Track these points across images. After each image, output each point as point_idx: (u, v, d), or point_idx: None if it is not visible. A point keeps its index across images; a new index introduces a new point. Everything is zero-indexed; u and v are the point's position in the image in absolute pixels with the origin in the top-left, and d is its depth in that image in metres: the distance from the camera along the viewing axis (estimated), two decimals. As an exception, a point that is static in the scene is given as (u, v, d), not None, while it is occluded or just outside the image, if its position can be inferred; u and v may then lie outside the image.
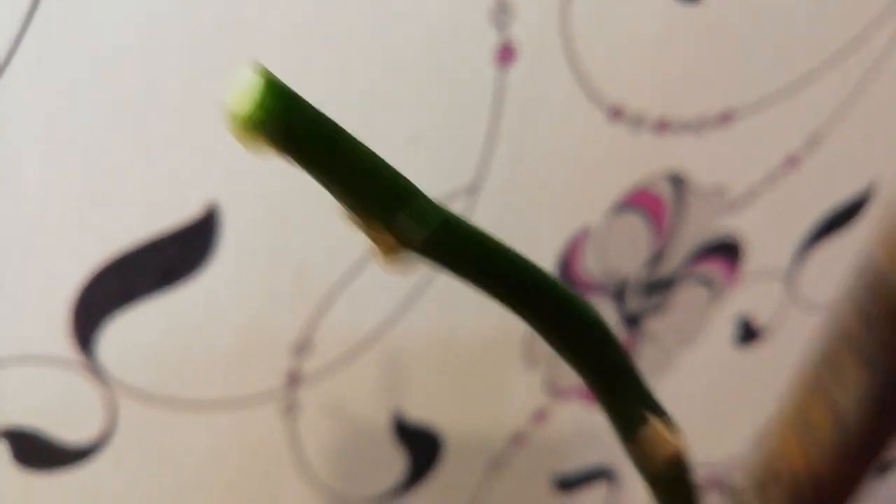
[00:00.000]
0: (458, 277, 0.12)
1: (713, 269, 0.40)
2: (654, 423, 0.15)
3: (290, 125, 0.10)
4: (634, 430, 0.15)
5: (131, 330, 0.27)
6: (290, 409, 0.31)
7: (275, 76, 0.10)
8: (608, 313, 0.38)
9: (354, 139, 0.11)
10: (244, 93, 0.10)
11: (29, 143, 0.22)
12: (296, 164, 0.10)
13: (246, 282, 0.28)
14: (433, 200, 0.11)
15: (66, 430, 0.28)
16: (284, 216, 0.27)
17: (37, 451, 0.28)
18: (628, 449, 0.16)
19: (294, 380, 0.31)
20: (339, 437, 0.34)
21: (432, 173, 0.28)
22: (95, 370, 0.27)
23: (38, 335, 0.26)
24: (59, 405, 0.28)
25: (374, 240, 0.11)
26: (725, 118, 0.34)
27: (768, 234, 0.40)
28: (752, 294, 0.43)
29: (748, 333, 0.45)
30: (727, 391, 0.48)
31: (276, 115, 0.10)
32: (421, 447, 0.37)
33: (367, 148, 0.11)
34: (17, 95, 0.21)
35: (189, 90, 0.23)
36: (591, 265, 0.35)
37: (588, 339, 0.14)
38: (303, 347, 0.30)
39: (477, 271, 0.12)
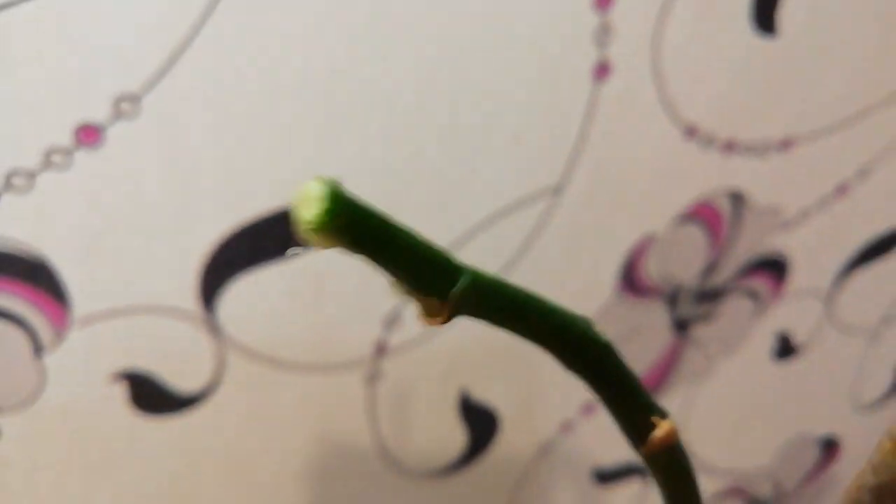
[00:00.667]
0: (493, 326, 0.15)
1: (760, 283, 0.42)
2: (658, 422, 0.17)
3: (354, 229, 0.12)
4: (644, 437, 0.17)
5: (250, 292, 0.30)
6: (373, 378, 0.34)
7: (339, 186, 0.12)
8: (661, 316, 0.40)
9: (407, 232, 0.13)
10: (314, 202, 0.12)
11: (197, 111, 0.25)
12: (359, 257, 0.13)
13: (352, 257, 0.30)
14: (469, 267, 0.14)
15: (179, 379, 0.31)
16: (391, 198, 0.29)
17: (150, 395, 0.31)
18: (639, 451, 0.18)
19: (381, 351, 0.33)
20: (411, 409, 0.36)
21: (525, 171, 0.31)
22: (213, 326, 0.30)
23: (169, 288, 0.29)
24: (176, 355, 0.30)
25: (423, 306, 0.14)
26: (786, 144, 0.36)
27: (814, 256, 0.42)
28: (793, 311, 0.45)
29: (786, 349, 0.47)
30: (760, 404, 0.50)
31: (342, 222, 0.12)
32: (481, 425, 0.39)
33: (417, 237, 0.13)
34: (194, 69, 0.24)
35: (330, 79, 0.26)
36: (652, 270, 0.38)
37: (602, 368, 0.17)
38: (392, 321, 0.33)
39: (507, 321, 0.15)
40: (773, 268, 0.41)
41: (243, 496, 0.35)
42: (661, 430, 0.17)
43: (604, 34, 0.29)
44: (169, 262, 0.28)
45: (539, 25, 0.28)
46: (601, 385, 0.17)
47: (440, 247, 0.13)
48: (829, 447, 0.58)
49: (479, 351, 0.36)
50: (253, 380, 0.32)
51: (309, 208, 0.12)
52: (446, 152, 0.29)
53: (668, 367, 0.43)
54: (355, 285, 0.31)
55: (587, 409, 0.42)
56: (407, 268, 0.13)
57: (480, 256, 0.33)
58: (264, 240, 0.28)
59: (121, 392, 0.31)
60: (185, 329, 0.30)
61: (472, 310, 0.14)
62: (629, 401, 0.17)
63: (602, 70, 0.30)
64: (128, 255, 0.27)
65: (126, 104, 0.23)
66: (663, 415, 0.17)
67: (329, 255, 0.30)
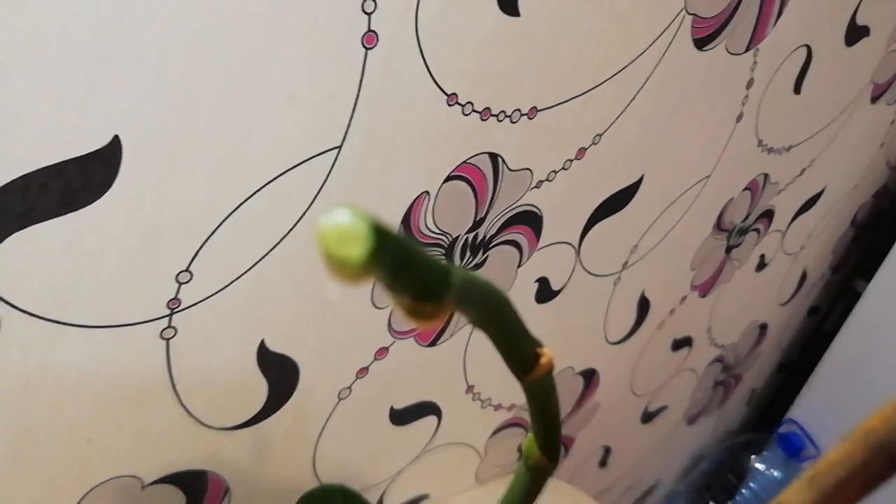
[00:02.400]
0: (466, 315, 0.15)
1: (521, 236, 0.47)
2: (541, 352, 0.19)
3: (389, 260, 0.11)
4: (530, 366, 0.19)
5: (26, 250, 0.28)
6: (167, 335, 0.33)
7: (374, 218, 0.11)
8: (440, 267, 0.43)
9: (415, 246, 0.12)
10: (355, 240, 0.10)
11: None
12: (378, 281, 0.11)
13: (137, 213, 0.30)
14: (454, 267, 0.14)
15: (-52, 346, 0.28)
16: (178, 156, 0.29)
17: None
18: (522, 379, 0.19)
19: (173, 307, 0.33)
20: (208, 364, 0.36)
21: (306, 131, 0.32)
22: (-15, 287, 0.28)
23: (-70, 251, 0.26)
24: (-56, 321, 0.28)
25: (421, 313, 0.13)
26: (533, 112, 0.41)
27: (563, 211, 0.48)
28: (550, 260, 0.50)
29: (547, 293, 0.53)
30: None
31: (383, 256, 0.11)
32: (281, 376, 0.40)
33: (421, 249, 0.12)
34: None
35: (96, 34, 0.25)
36: (429, 224, 0.40)
37: (510, 320, 0.18)
38: (183, 277, 0.32)
39: (477, 310, 0.16)
40: (531, 221, 0.46)
41: (34, 464, 0.33)
42: (545, 357, 0.18)
43: (370, 3, 0.30)
44: (-73, 220, 0.26)
45: (308, -7, 0.29)
46: (505, 330, 0.17)
47: (432, 252, 0.13)
48: (591, 377, 0.65)
49: (273, 303, 0.37)
50: (34, 342, 0.30)
51: (349, 246, 0.10)
52: (222, 112, 0.29)
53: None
54: (141, 241, 0.30)
55: (381, 353, 0.44)
56: (417, 282, 0.12)
57: (264, 215, 0.33)
58: (38, 195, 0.27)
59: None
60: (-48, 292, 0.27)
61: (459, 305, 0.14)
62: (522, 339, 0.18)
63: (370, 38, 0.31)
64: None
65: None
66: (541, 345, 0.19)
67: (101, 213, 0.29)
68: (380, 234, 0.11)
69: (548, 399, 0.20)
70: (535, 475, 0.21)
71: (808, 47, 0.57)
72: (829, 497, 0.10)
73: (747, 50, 0.51)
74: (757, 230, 0.71)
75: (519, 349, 0.18)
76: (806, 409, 0.94)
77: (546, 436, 0.21)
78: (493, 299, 0.17)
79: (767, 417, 1.09)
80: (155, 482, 0.38)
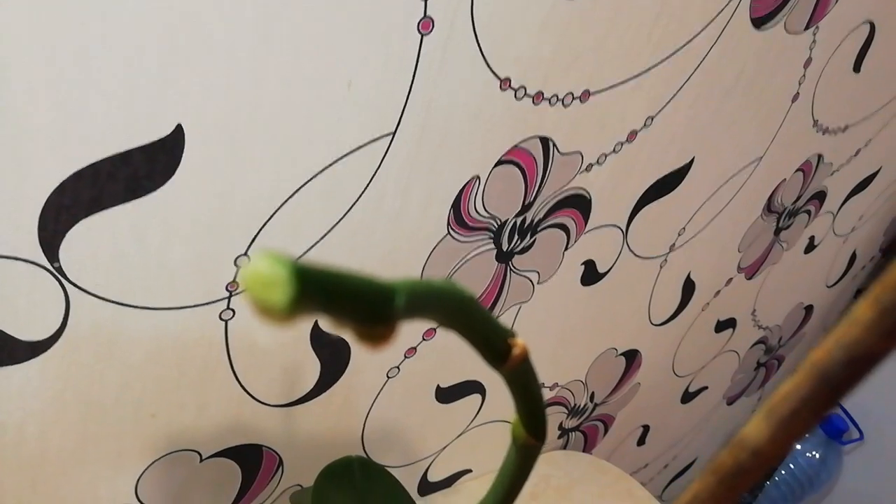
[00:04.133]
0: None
1: (569, 219, 0.46)
2: (512, 342, 0.19)
3: (317, 300, 0.11)
4: (504, 357, 0.19)
5: (93, 236, 0.29)
6: (225, 317, 0.34)
7: (296, 263, 0.11)
8: (488, 249, 0.43)
9: (351, 277, 0.12)
10: (278, 286, 0.11)
11: (18, 52, 0.24)
12: (317, 316, 0.12)
13: (199, 199, 0.30)
14: (399, 282, 0.14)
15: (23, 327, 0.29)
16: (238, 145, 0.29)
17: (-7, 345, 0.29)
18: (501, 370, 0.19)
19: (231, 289, 0.33)
20: (264, 343, 0.37)
21: (363, 117, 0.32)
22: (56, 271, 0.29)
23: (7, 235, 0.27)
24: (19, 303, 0.29)
25: (370, 336, 0.13)
26: (586, 96, 0.40)
27: (612, 194, 0.47)
28: (597, 243, 0.50)
29: (593, 276, 0.52)
30: (574, 325, 0.55)
31: (308, 298, 0.11)
32: (333, 356, 0.40)
33: (358, 278, 0.13)
34: (26, 3, 0.23)
35: (168, 24, 0.26)
36: (478, 208, 0.40)
37: (470, 314, 0.18)
38: (241, 261, 0.33)
39: (439, 313, 0.16)
40: (579, 205, 0.46)
41: (102, 436, 0.34)
42: (517, 347, 0.19)
43: (425, -10, 0.30)
44: (3, 207, 0.26)
45: (365, -20, 0.28)
46: (470, 328, 0.18)
47: (373, 277, 0.13)
48: (632, 358, 0.65)
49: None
50: (102, 324, 0.31)
51: (272, 292, 0.11)
52: (283, 101, 0.29)
53: (495, 294, 0.46)
54: (202, 226, 0.31)
55: (428, 333, 0.45)
56: (357, 310, 0.13)
57: (319, 201, 0.33)
58: (105, 183, 0.27)
59: (-41, 343, 0.29)
60: (24, 276, 0.28)
61: (414, 317, 0.15)
62: (490, 334, 0.19)
63: (426, 23, 0.31)
64: (-43, 200, 0.25)
65: (-56, 42, 0.22)
66: (513, 336, 0.19)
67: (175, 197, 0.29)
68: (302, 275, 0.11)
69: (527, 385, 0.21)
70: (523, 454, 0.22)
71: (872, 23, 0.54)
72: (785, 427, 0.11)
73: (807, 28, 0.49)
74: (808, 212, 0.69)
75: (489, 344, 0.19)
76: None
77: (530, 417, 0.21)
78: (451, 303, 0.17)
79: (809, 399, 1.07)
80: (213, 455, 0.39)
